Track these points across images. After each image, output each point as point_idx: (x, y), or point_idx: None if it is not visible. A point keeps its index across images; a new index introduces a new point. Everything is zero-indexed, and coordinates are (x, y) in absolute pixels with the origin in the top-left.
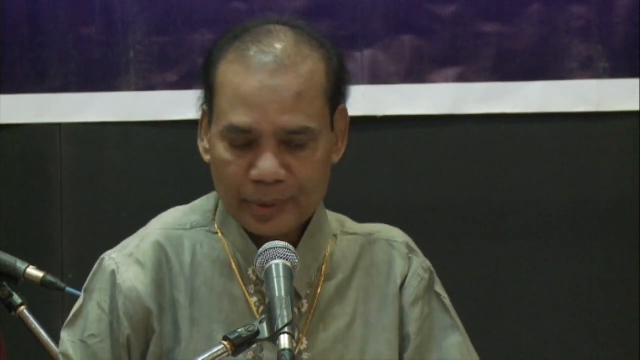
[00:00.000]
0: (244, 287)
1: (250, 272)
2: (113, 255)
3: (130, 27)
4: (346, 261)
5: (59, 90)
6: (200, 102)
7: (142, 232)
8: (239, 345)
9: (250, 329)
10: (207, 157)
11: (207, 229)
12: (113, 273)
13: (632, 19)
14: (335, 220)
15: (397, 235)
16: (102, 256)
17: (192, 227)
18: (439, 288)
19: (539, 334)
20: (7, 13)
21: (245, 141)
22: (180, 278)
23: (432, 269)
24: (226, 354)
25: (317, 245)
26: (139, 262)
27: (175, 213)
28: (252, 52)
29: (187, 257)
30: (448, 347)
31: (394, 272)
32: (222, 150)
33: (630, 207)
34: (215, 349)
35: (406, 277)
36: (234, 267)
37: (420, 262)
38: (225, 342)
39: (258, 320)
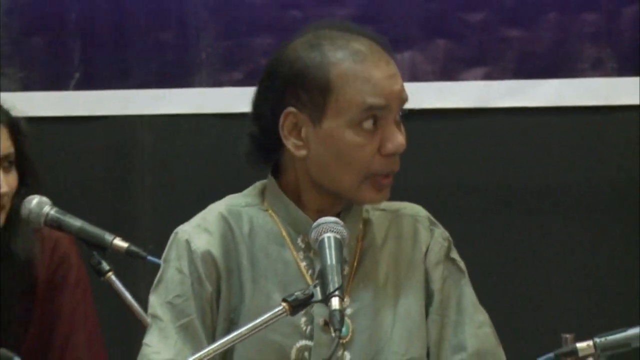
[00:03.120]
0: (294, 254)
1: (299, 240)
2: (184, 228)
3: (202, 32)
4: (378, 232)
5: (141, 87)
6: (279, 106)
7: (204, 211)
8: (296, 306)
9: (306, 292)
10: (302, 152)
11: (259, 207)
12: (187, 242)
13: (636, 25)
14: None
15: (419, 210)
16: (175, 230)
17: (246, 205)
18: (454, 254)
19: (552, 299)
20: (97, 20)
21: (371, 122)
22: (242, 245)
23: (450, 238)
24: (285, 313)
25: (354, 218)
26: (207, 231)
27: (231, 197)
28: (362, 46)
29: (245, 228)
30: (464, 301)
31: (419, 241)
32: (352, 136)
33: (634, 189)
34: (276, 310)
35: (429, 245)
36: (285, 236)
37: (440, 233)
38: (284, 304)
39: (312, 285)
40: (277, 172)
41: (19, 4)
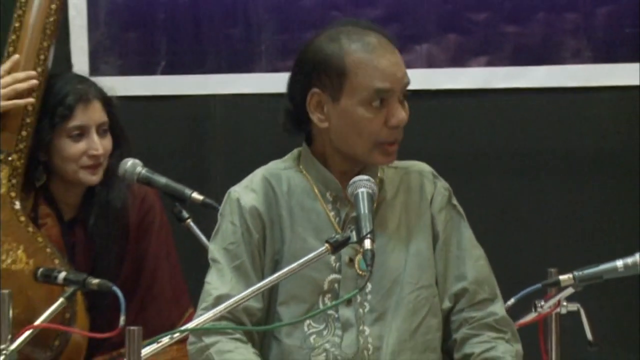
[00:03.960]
0: (324, 205)
1: (328, 195)
2: (236, 189)
3: (262, 28)
4: (391, 186)
5: (213, 72)
6: (306, 87)
7: (251, 174)
8: (336, 246)
9: (345, 235)
10: (324, 125)
11: (295, 169)
12: (237, 200)
13: (607, 22)
14: None
15: (424, 167)
16: (229, 191)
17: (285, 168)
18: (454, 201)
19: (540, 240)
20: (179, 19)
21: (379, 101)
22: (281, 200)
23: (450, 188)
24: (327, 252)
25: (373, 173)
26: (254, 190)
27: (273, 162)
28: (372, 40)
29: (284, 186)
30: (463, 240)
31: (424, 191)
32: (363, 112)
33: (607, 153)
34: (320, 250)
35: (433, 194)
36: (317, 192)
37: (442, 184)
38: (327, 245)
39: (349, 230)
40: (309, 141)
41: (117, 6)
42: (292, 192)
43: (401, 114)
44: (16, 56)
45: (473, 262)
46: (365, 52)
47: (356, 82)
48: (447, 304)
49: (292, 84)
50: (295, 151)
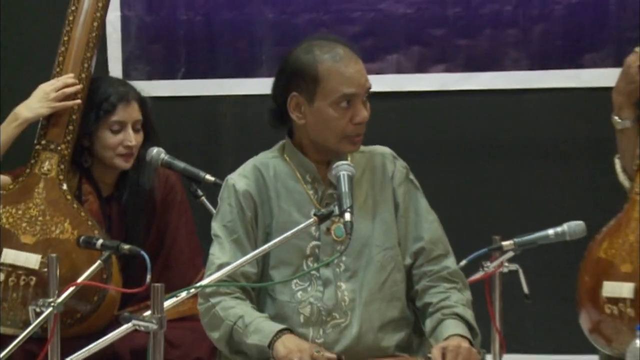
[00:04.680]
0: (304, 186)
1: (307, 177)
2: (232, 176)
3: (263, 41)
4: (359, 166)
5: (224, 77)
6: (287, 91)
7: (245, 164)
8: (322, 218)
9: (329, 209)
10: (302, 122)
11: (280, 158)
12: (233, 185)
13: (541, 36)
14: None
15: (385, 150)
16: (226, 178)
17: (272, 158)
18: (411, 176)
19: (486, 211)
20: (195, 34)
21: (346, 103)
22: (269, 183)
23: (407, 166)
24: (315, 223)
25: (343, 158)
26: (246, 177)
27: (262, 153)
28: (339, 52)
29: (271, 172)
30: (419, 207)
31: (386, 170)
32: (332, 112)
33: (544, 138)
34: (309, 221)
35: (394, 172)
36: (298, 176)
37: (400, 163)
38: (315, 217)
39: (333, 205)
40: (290, 135)
41: (145, 23)
42: (277, 176)
43: (363, 113)
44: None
45: (428, 225)
46: (334, 62)
47: (327, 87)
48: (408, 261)
49: (275, 88)
50: (280, 143)
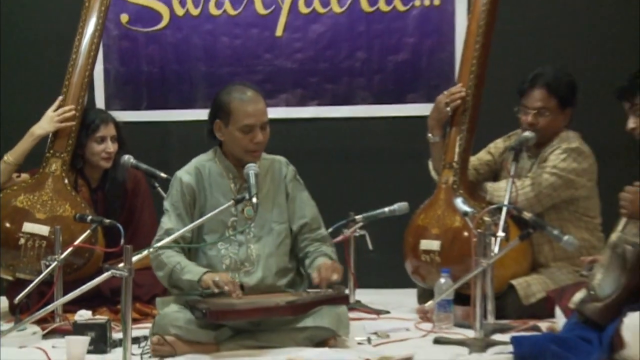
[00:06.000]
0: (228, 181)
1: (230, 175)
2: (179, 172)
3: (199, 85)
4: (264, 169)
5: (172, 108)
6: (214, 118)
7: (189, 163)
8: (237, 201)
9: (241, 196)
10: (223, 139)
11: (213, 160)
12: (180, 178)
13: (380, 84)
14: None
15: (282, 158)
16: (175, 173)
17: (207, 160)
18: (297, 176)
19: (345, 195)
20: (150, 82)
21: (249, 130)
22: (205, 179)
23: (295, 169)
24: (233, 205)
25: (254, 162)
26: (189, 173)
27: (201, 156)
28: (247, 95)
29: (206, 170)
30: (302, 197)
31: (282, 171)
32: (239, 135)
33: (386, 151)
34: (228, 204)
35: (287, 173)
36: (224, 174)
37: (291, 167)
38: (233, 201)
39: (245, 193)
40: (220, 145)
41: (119, 73)
42: (211, 173)
43: (259, 137)
44: (60, 97)
45: (310, 208)
46: (242, 101)
47: (236, 118)
48: (294, 230)
49: (208, 116)
50: (213, 149)
